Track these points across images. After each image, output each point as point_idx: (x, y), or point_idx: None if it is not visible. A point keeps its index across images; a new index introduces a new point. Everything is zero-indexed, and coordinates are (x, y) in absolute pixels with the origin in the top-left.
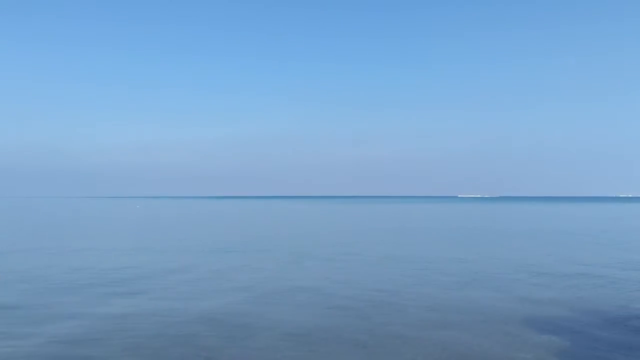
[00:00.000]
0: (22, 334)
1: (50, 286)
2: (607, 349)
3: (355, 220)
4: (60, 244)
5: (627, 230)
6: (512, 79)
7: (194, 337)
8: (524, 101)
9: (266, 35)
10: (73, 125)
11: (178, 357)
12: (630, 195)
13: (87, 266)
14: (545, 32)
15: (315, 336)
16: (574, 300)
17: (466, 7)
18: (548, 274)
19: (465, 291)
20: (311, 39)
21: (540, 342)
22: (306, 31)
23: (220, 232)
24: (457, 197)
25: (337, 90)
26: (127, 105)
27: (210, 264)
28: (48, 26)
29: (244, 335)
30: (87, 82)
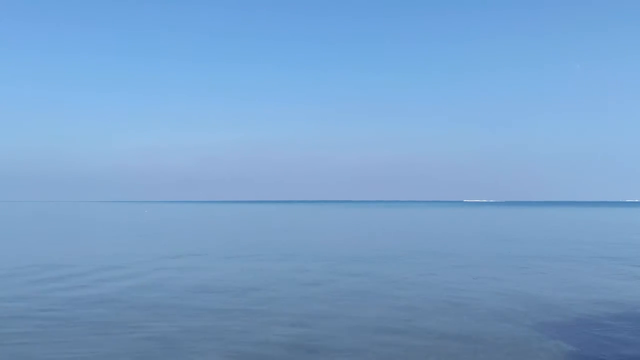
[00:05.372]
0: None
1: None
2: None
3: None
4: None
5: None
6: (517, 84)
7: None
8: (530, 106)
9: (271, 41)
10: (74, 129)
11: None
12: (636, 200)
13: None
14: (550, 38)
15: None
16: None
17: (469, 13)
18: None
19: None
20: (313, 45)
21: (548, 347)
22: (311, 37)
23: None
24: (462, 201)
25: (341, 94)
26: (130, 109)
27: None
28: (52, 32)
29: None
30: (92, 86)
